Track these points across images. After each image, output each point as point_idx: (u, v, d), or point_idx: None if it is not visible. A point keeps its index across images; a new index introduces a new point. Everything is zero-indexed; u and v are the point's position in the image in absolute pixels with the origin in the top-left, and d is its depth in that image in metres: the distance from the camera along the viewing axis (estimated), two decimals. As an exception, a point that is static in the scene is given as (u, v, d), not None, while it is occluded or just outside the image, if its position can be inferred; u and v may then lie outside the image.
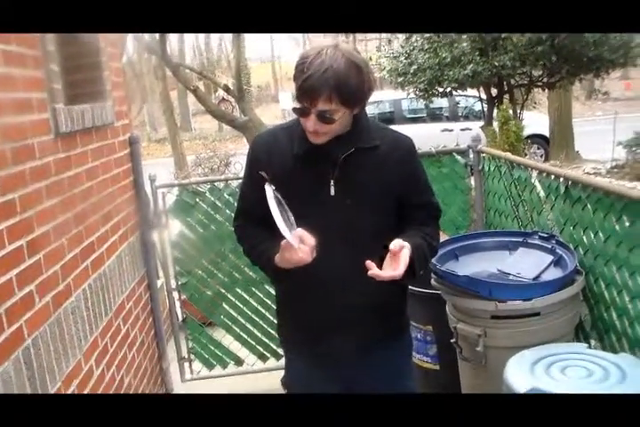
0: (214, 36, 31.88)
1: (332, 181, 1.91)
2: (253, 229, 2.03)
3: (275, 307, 2.28)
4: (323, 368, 2.03)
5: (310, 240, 1.76)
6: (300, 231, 1.77)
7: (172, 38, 16.73)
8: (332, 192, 1.92)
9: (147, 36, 12.07)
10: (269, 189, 1.79)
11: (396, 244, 1.79)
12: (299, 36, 33.17)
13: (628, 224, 2.38)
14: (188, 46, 28.19)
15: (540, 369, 2.17)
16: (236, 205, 2.22)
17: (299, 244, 1.75)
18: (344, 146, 1.91)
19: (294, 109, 1.86)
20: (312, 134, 1.88)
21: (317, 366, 2.04)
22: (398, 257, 1.79)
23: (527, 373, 2.16)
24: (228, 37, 24.96)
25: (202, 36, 30.90)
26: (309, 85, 1.77)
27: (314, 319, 2.02)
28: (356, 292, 1.92)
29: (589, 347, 2.45)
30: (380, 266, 1.80)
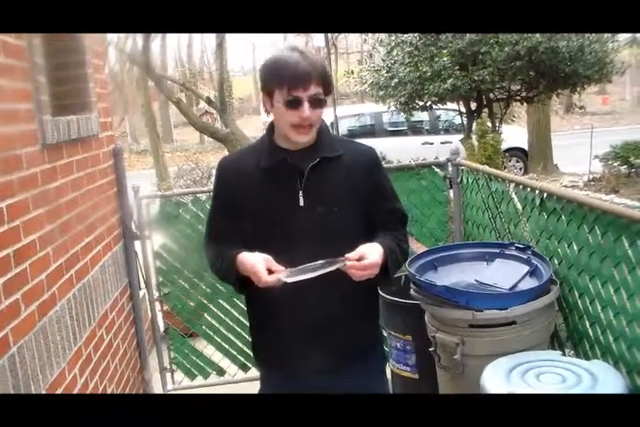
0: (196, 48, 31.95)
1: (300, 192, 1.96)
2: (221, 247, 2.04)
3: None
4: (295, 384, 2.00)
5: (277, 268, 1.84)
6: (268, 261, 1.84)
7: (155, 49, 16.71)
8: (302, 203, 1.96)
9: (130, 46, 12.08)
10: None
11: (355, 253, 1.86)
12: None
13: (600, 235, 2.46)
14: (171, 58, 28.16)
15: (515, 376, 2.23)
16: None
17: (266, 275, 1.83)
18: (309, 157, 1.97)
19: (288, 103, 1.87)
20: (304, 129, 1.92)
21: (290, 382, 2.03)
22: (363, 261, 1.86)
23: (503, 379, 2.22)
24: (210, 49, 25.02)
25: (184, 47, 30.95)
26: (303, 71, 1.85)
27: (286, 330, 2.02)
28: (328, 299, 1.96)
29: (564, 354, 2.52)
30: None
